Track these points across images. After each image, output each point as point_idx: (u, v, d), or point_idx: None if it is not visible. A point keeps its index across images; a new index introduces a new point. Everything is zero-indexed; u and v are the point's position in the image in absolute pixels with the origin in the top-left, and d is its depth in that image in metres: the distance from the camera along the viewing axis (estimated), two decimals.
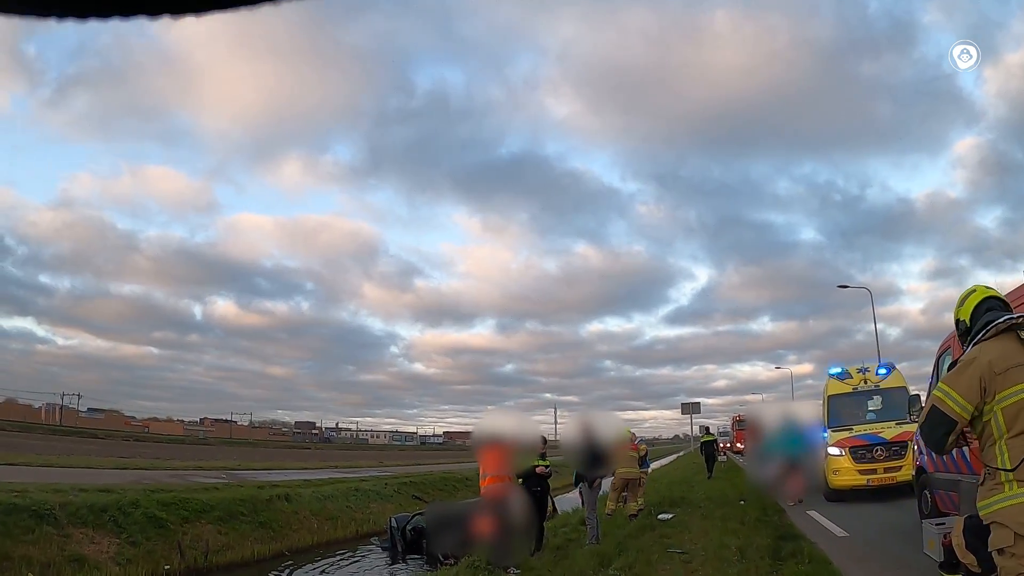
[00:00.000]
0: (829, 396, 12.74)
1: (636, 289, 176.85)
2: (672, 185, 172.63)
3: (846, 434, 11.83)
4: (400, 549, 15.36)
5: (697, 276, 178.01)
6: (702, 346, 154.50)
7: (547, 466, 9.14)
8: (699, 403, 31.88)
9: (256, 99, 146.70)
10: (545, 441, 9.62)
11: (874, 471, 11.31)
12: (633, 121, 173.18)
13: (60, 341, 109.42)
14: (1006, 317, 2.91)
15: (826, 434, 12.17)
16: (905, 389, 12.12)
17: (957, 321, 3.23)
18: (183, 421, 72.13)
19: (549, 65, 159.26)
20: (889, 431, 11.51)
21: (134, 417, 65.54)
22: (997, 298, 3.15)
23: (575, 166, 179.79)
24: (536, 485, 8.96)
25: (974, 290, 3.22)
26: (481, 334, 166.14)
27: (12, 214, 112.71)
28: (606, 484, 10.92)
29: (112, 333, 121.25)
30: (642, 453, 13.25)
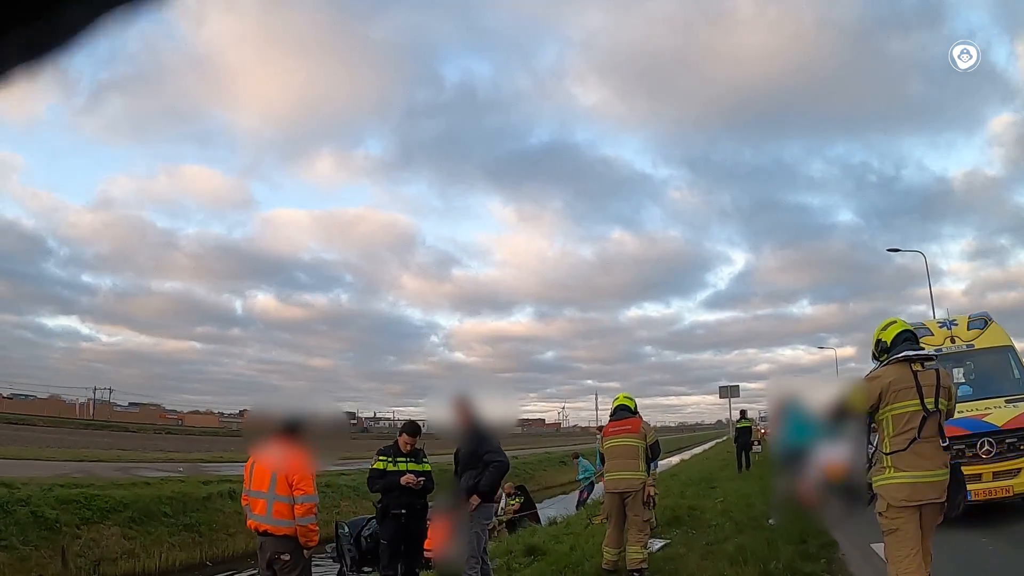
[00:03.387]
0: None
1: (673, 274, 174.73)
2: (704, 169, 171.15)
3: None
4: (350, 561, 13.27)
5: (734, 260, 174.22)
6: (742, 330, 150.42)
7: (422, 474, 6.00)
8: (737, 386, 28.75)
9: (287, 96, 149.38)
10: (417, 430, 6.21)
11: (978, 477, 7.27)
12: (662, 107, 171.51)
13: (104, 338, 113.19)
14: (905, 353, 4.01)
15: None
16: (1011, 350, 8.44)
17: (879, 341, 4.26)
18: (222, 414, 72.78)
19: (575, 54, 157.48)
20: (999, 413, 7.58)
21: (176, 411, 66.33)
22: (911, 331, 4.21)
23: (606, 153, 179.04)
24: (402, 505, 5.92)
25: (894, 321, 4.31)
26: (520, 322, 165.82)
27: (53, 216, 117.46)
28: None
29: (155, 329, 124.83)
30: (650, 441, 6.73)
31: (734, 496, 12.15)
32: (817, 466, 4.80)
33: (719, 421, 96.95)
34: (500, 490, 13.18)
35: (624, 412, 6.75)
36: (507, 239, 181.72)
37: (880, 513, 3.86)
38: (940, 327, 8.89)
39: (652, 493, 6.69)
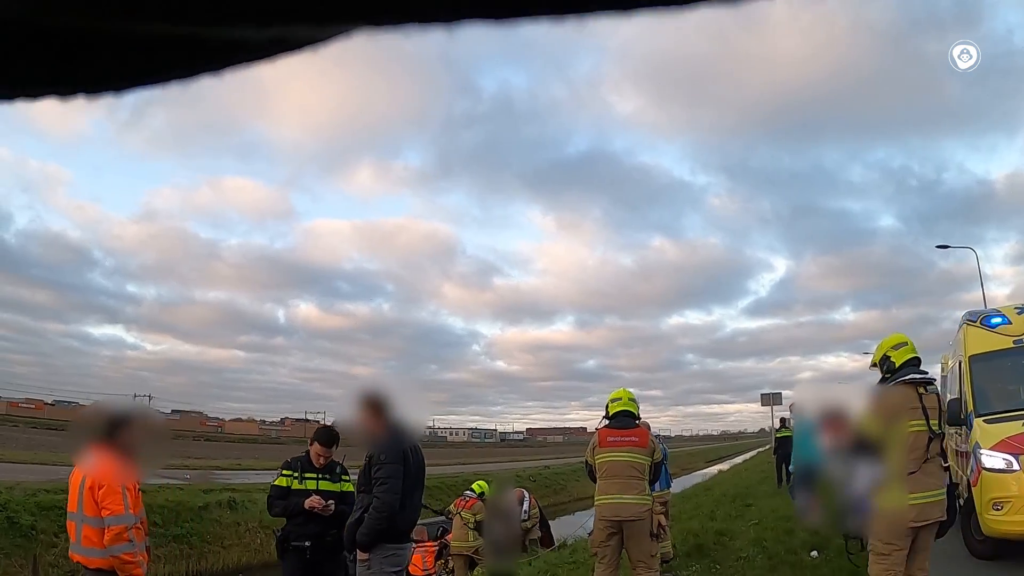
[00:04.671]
0: (971, 357, 7.15)
1: (714, 281, 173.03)
2: (743, 176, 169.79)
3: (1018, 427, 6.23)
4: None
5: (775, 267, 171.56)
6: (784, 337, 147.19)
7: (336, 495, 4.58)
8: (780, 393, 26.57)
9: (327, 110, 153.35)
10: (334, 439, 4.68)
11: None
12: (698, 114, 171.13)
13: (149, 347, 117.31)
14: (911, 376, 4.13)
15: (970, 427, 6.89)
16: None
17: (888, 358, 4.25)
18: (263, 421, 73.52)
19: (610, 62, 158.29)
20: None
21: (219, 418, 67.17)
22: (919, 358, 4.28)
23: (644, 160, 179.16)
24: (306, 536, 4.47)
25: (906, 343, 4.29)
26: (561, 330, 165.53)
27: (99, 228, 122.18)
28: None
29: (199, 338, 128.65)
30: (656, 458, 5.49)
31: (771, 518, 10.39)
32: (860, 490, 4.16)
33: (762, 429, 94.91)
34: (516, 495, 11.88)
35: (628, 419, 5.35)
36: (547, 248, 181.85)
37: (877, 535, 3.95)
38: (1019, 313, 7.22)
39: (662, 523, 5.26)
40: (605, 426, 5.37)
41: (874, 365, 4.38)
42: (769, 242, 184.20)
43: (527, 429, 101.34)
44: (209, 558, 12.86)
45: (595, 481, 5.33)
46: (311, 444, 4.79)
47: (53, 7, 0.27)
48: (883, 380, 4.24)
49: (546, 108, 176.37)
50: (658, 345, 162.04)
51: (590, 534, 5.97)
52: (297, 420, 76.14)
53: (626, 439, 5.21)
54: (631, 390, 5.62)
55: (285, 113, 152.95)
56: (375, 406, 3.98)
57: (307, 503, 4.44)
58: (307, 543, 4.48)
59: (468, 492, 9.38)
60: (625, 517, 5.02)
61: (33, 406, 42.70)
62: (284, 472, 4.73)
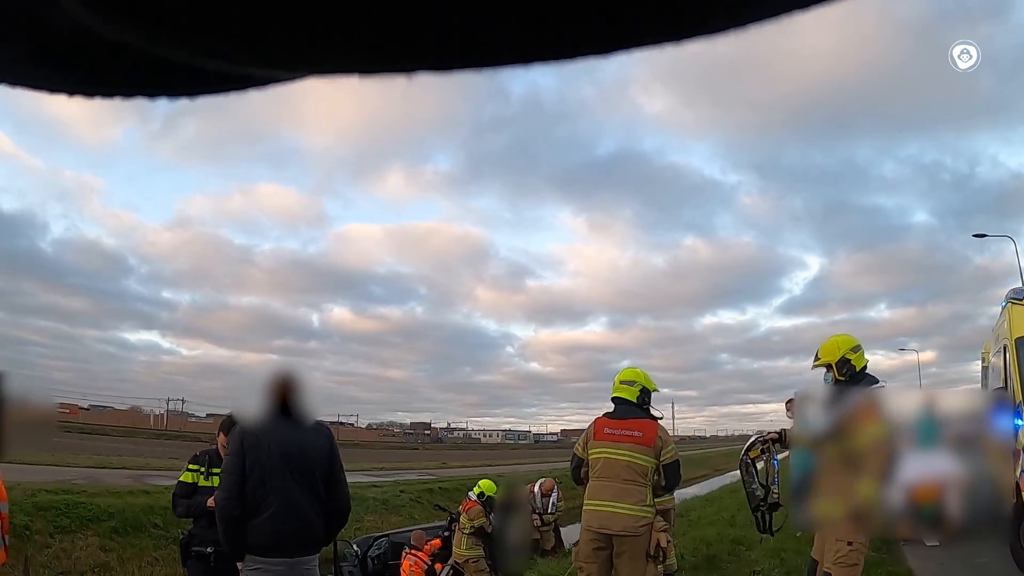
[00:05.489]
0: (1018, 340, 6.41)
1: (747, 280, 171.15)
2: (774, 174, 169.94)
3: None
4: None
5: (808, 265, 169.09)
6: (819, 336, 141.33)
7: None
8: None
9: (357, 117, 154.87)
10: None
11: None
12: (727, 112, 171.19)
13: (184, 352, 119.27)
14: (881, 384, 4.03)
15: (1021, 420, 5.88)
16: None
17: (849, 361, 4.00)
18: None
19: (637, 62, 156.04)
20: None
21: None
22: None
23: (674, 160, 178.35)
24: (211, 539, 3.89)
25: (860, 347, 4.09)
26: (594, 331, 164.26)
27: (133, 235, 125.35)
28: None
29: (234, 343, 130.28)
30: (666, 459, 4.40)
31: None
32: (902, 485, 3.27)
33: None
34: (547, 485, 10.76)
35: (630, 407, 4.31)
36: (579, 249, 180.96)
37: (849, 543, 3.73)
38: None
39: (663, 544, 4.22)
40: (605, 414, 4.40)
41: (825, 366, 4.06)
42: (802, 240, 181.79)
43: (561, 431, 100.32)
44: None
45: (579, 483, 4.40)
46: (218, 435, 4.25)
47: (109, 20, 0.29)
48: (837, 383, 3.96)
49: (575, 110, 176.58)
50: (692, 345, 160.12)
51: (575, 544, 5.19)
52: (332, 423, 76.61)
53: (627, 434, 4.19)
54: (641, 369, 4.53)
55: (315, 120, 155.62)
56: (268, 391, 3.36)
57: (210, 502, 3.87)
58: (210, 549, 3.94)
59: (470, 493, 8.69)
60: (616, 531, 4.08)
61: (68, 410, 43.77)
62: (191, 467, 4.22)
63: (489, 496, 8.26)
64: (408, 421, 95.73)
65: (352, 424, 79.87)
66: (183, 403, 55.54)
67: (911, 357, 49.63)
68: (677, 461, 4.27)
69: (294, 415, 3.28)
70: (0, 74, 0.35)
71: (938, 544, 6.13)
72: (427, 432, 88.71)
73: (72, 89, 0.35)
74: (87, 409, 47.56)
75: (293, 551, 3.22)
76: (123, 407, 50.28)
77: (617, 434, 4.21)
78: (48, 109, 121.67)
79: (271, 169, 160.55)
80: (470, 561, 7.85)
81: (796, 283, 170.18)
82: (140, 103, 0.35)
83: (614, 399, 4.41)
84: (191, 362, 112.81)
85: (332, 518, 3.41)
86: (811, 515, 4.20)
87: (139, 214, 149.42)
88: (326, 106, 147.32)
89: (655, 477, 4.20)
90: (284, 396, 3.29)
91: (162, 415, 52.63)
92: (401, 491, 19.81)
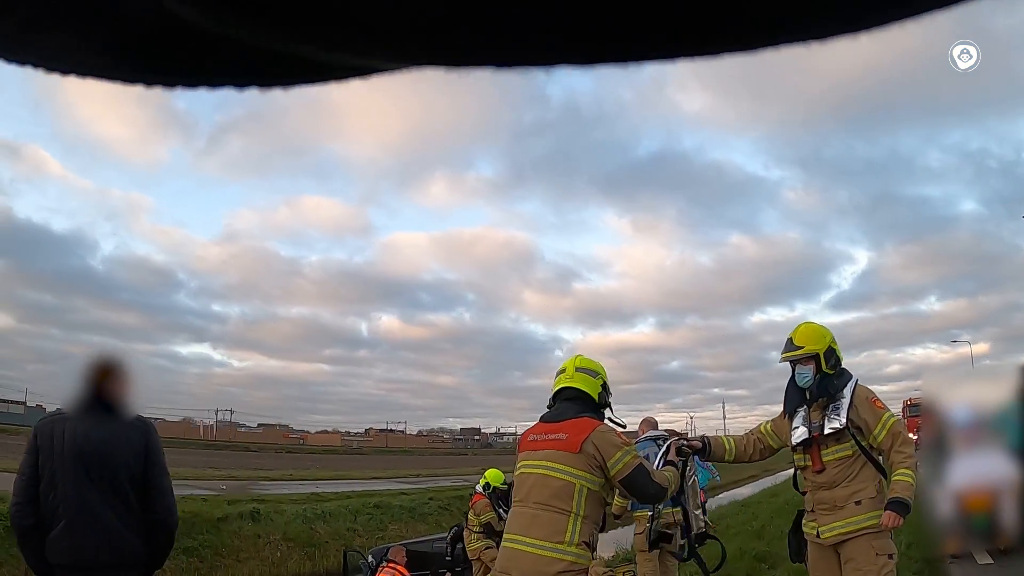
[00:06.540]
0: None
1: (795, 276, 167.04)
2: (817, 168, 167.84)
3: None
4: None
5: (856, 258, 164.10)
6: (869, 331, 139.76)
7: None
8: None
9: (399, 126, 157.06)
10: None
11: None
12: (767, 107, 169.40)
13: (236, 363, 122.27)
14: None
15: None
16: None
17: (835, 353, 3.56)
18: (348, 433, 74.93)
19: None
20: None
21: (304, 431, 69.06)
22: None
23: (715, 157, 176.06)
24: None
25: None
26: (643, 332, 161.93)
27: (182, 251, 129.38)
28: None
29: (284, 353, 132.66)
30: (615, 471, 2.91)
31: None
32: (950, 492, 2.73)
33: None
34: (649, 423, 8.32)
35: (572, 405, 2.99)
36: (625, 250, 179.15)
37: (889, 555, 3.23)
38: None
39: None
40: (541, 416, 3.12)
41: (810, 357, 3.53)
42: (849, 233, 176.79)
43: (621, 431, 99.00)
44: (221, 572, 12.19)
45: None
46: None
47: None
48: (824, 376, 3.48)
49: (613, 111, 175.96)
50: (741, 343, 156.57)
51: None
52: (380, 431, 77.22)
53: (550, 437, 2.92)
54: (591, 357, 3.18)
55: (358, 132, 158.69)
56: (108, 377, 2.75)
57: None
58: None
59: (477, 486, 7.90)
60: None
61: None
62: None
63: (496, 487, 7.44)
64: (458, 427, 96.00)
65: (401, 431, 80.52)
66: (231, 413, 56.81)
67: (964, 350, 47.39)
68: (638, 467, 2.83)
69: (111, 408, 2.70)
70: (78, 65, 0.34)
71: (992, 562, 5.08)
72: (476, 438, 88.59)
73: (152, 80, 0.34)
74: None
75: (103, 571, 2.60)
76: (175, 419, 51.62)
77: (539, 440, 2.95)
78: (94, 131, 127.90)
79: (316, 181, 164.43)
80: (481, 550, 7.19)
81: (844, 278, 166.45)
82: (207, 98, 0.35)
83: (558, 392, 3.05)
84: (243, 373, 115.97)
85: (153, 534, 2.76)
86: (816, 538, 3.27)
87: (187, 230, 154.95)
88: (367, 117, 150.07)
89: (601, 498, 2.86)
90: (101, 385, 2.70)
91: (212, 426, 53.80)
92: (430, 498, 19.27)
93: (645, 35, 0.27)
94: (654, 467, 3.23)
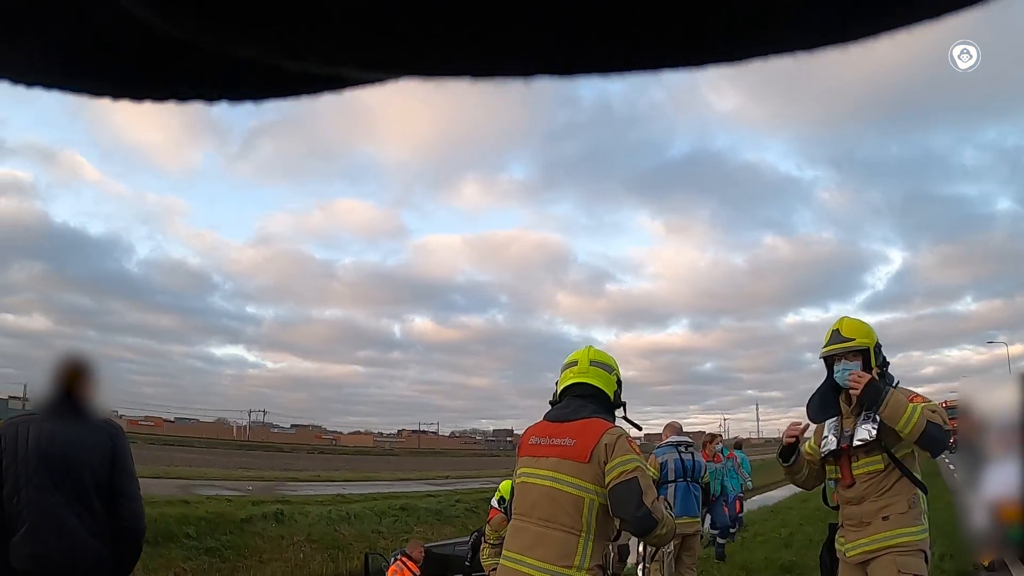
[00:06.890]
0: None
1: (829, 277, 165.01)
2: (850, 168, 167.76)
3: None
4: None
5: (891, 259, 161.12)
6: (905, 332, 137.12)
7: None
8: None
9: (431, 129, 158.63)
10: None
11: None
12: (799, 107, 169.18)
13: (270, 365, 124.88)
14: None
15: None
16: None
17: (881, 351, 3.20)
18: (381, 434, 75.47)
19: None
20: None
21: (337, 432, 69.69)
22: None
23: (748, 158, 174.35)
24: None
25: None
26: (677, 334, 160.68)
27: (217, 254, 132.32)
28: None
29: (318, 355, 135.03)
30: (612, 476, 2.46)
31: None
32: (985, 502, 2.71)
33: None
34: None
35: (582, 403, 2.65)
36: (658, 251, 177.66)
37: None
38: None
39: None
40: (545, 414, 2.79)
41: (859, 351, 3.14)
42: (883, 234, 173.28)
43: (645, 434, 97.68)
44: (242, 572, 12.07)
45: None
46: None
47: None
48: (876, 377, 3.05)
49: (645, 113, 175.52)
50: (775, 345, 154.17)
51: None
52: (413, 432, 77.57)
53: (556, 442, 2.55)
54: (602, 349, 2.97)
55: (391, 135, 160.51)
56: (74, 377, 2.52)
57: None
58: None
59: (492, 500, 7.60)
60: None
61: (152, 423, 46.06)
62: None
63: (511, 501, 7.13)
64: (491, 428, 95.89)
65: (434, 432, 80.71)
66: (264, 414, 57.56)
67: (1000, 351, 45.72)
68: (632, 479, 2.39)
69: (80, 410, 2.51)
70: (45, 77, 0.33)
71: None
72: (509, 439, 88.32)
73: (119, 92, 0.33)
74: (172, 422, 49.89)
75: None
76: (208, 419, 52.50)
77: (544, 444, 2.58)
78: (129, 136, 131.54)
79: (349, 184, 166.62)
80: (494, 567, 6.82)
81: (879, 278, 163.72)
82: (200, 110, 0.33)
83: (565, 389, 2.72)
84: (277, 375, 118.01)
85: (120, 542, 2.51)
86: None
87: (222, 233, 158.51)
88: (399, 120, 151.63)
89: (599, 512, 2.45)
90: (70, 387, 2.49)
91: (245, 426, 54.52)
92: (457, 500, 18.98)
93: (625, 45, 0.26)
94: (672, 477, 3.01)
